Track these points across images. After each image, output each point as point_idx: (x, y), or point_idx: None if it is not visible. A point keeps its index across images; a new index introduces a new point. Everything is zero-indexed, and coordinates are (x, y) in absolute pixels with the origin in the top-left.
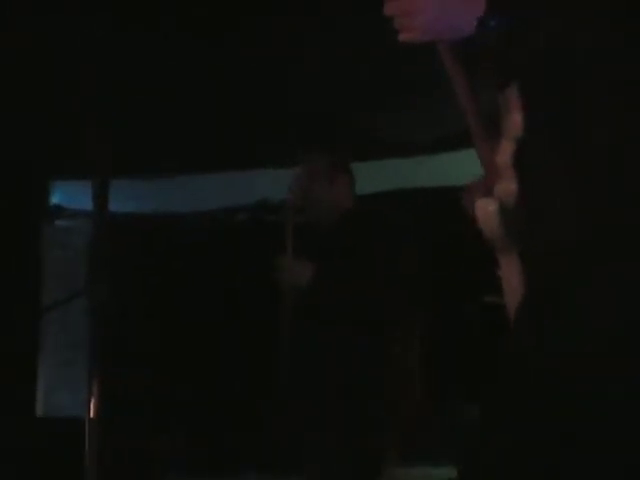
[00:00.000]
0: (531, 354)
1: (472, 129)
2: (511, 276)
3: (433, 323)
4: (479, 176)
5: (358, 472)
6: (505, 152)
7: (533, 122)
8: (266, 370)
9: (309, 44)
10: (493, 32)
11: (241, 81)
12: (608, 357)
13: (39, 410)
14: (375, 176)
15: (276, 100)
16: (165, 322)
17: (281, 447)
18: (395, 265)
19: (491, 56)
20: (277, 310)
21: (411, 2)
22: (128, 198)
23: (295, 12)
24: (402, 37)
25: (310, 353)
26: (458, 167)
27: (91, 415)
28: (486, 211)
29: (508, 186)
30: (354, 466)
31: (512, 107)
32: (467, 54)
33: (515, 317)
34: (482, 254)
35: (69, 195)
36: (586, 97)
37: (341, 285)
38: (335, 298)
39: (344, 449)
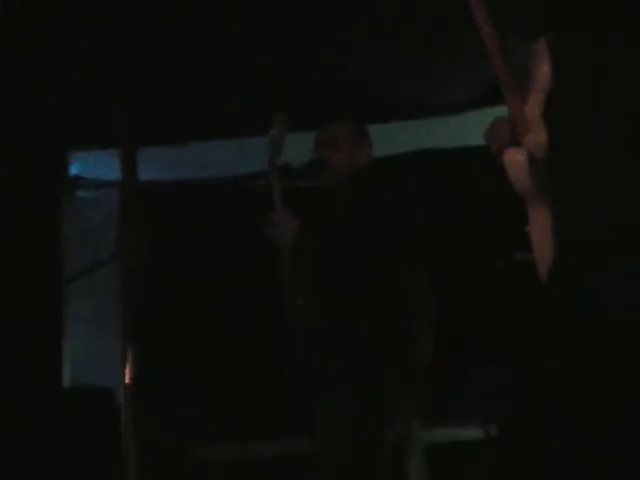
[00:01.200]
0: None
1: (501, 79)
2: (540, 227)
3: (462, 283)
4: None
5: (375, 433)
6: (534, 103)
7: (562, 74)
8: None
9: (323, 7)
10: None
11: (255, 46)
12: None
13: (65, 381)
14: (392, 138)
15: (293, 66)
16: (187, 290)
17: (298, 411)
18: (404, 226)
19: (521, 7)
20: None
21: None
22: (145, 166)
23: None
24: None
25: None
26: (478, 127)
27: (126, 381)
28: (515, 160)
29: (537, 137)
30: (371, 428)
31: (542, 58)
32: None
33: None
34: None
35: (89, 166)
36: (617, 49)
37: (321, 244)
38: (315, 257)
39: (359, 411)
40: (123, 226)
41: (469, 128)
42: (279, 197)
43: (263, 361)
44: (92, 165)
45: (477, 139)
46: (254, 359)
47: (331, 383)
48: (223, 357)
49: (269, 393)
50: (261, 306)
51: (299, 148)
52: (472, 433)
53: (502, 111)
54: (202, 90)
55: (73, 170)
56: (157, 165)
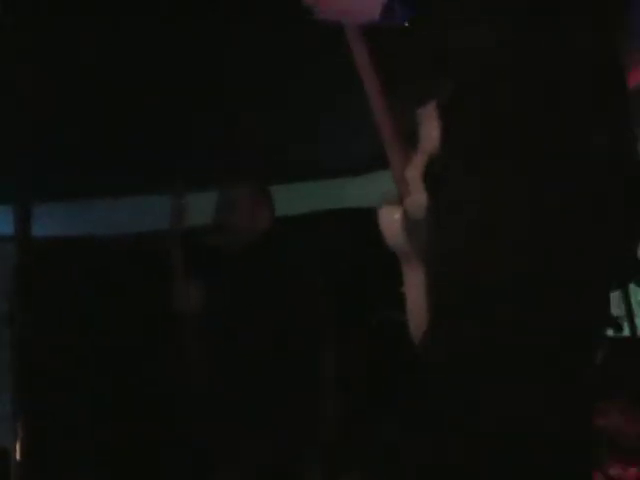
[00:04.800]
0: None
1: (384, 137)
2: (414, 287)
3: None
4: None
5: None
6: (418, 165)
7: (448, 139)
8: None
9: (231, 63)
10: (400, 20)
11: (160, 102)
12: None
13: None
14: (294, 198)
15: (197, 124)
16: (87, 348)
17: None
18: (303, 289)
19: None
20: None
21: None
22: (46, 222)
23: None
24: (308, 1)
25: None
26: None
27: (17, 454)
28: (390, 219)
29: (417, 198)
30: None
31: (429, 122)
32: (388, 65)
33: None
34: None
35: None
36: (497, 109)
37: (232, 307)
38: (225, 321)
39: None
40: (18, 286)
41: (372, 189)
42: (180, 267)
43: (159, 430)
44: None
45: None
46: (151, 427)
47: (234, 444)
48: (117, 425)
49: (164, 461)
50: (156, 368)
51: (201, 208)
52: None
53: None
54: (96, 147)
55: None
56: (53, 220)
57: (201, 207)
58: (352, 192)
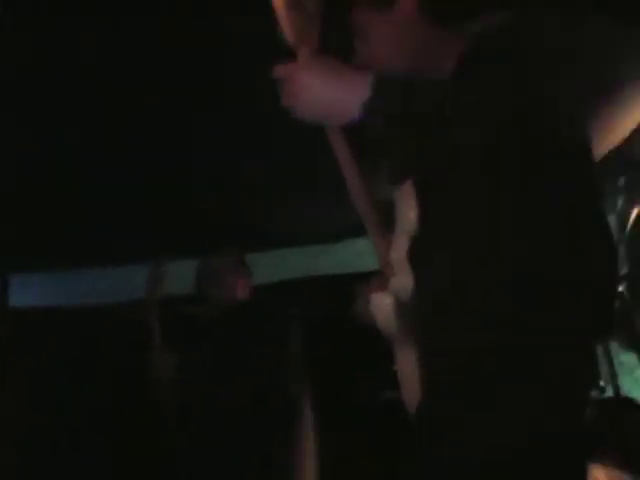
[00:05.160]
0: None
1: (365, 221)
2: (406, 367)
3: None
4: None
5: None
6: (400, 246)
7: (426, 217)
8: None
9: (210, 130)
10: (379, 119)
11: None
12: None
13: None
14: (273, 266)
15: (177, 193)
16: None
17: None
18: (281, 359)
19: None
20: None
21: (296, 74)
22: (26, 292)
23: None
24: (285, 102)
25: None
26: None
27: None
28: (382, 305)
29: (403, 280)
30: None
31: (406, 202)
32: (363, 147)
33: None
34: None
35: None
36: (475, 191)
37: (205, 377)
38: (204, 384)
39: None
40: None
41: (349, 256)
42: (156, 335)
43: None
44: None
45: (360, 266)
46: None
47: None
48: None
49: None
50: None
51: (181, 275)
52: None
53: None
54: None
55: None
56: (33, 290)
57: (181, 275)
58: (329, 259)
